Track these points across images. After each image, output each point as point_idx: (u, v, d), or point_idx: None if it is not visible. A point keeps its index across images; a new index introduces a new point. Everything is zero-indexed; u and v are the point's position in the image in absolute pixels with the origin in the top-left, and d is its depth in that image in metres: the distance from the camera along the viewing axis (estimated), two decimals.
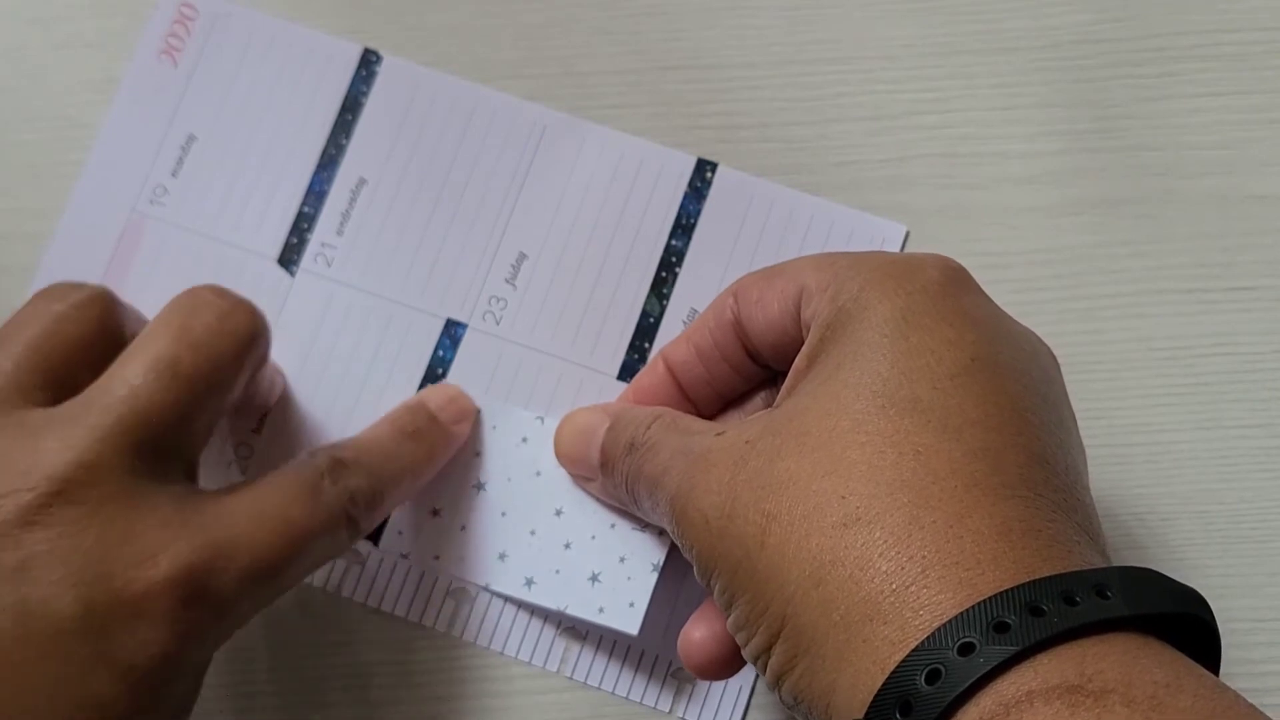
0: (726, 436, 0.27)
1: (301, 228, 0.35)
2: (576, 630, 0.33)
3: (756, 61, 0.36)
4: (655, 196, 0.35)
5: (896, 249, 0.35)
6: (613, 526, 0.33)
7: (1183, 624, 0.23)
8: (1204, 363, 0.34)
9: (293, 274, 0.35)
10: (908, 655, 0.21)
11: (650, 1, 0.37)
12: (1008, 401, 0.24)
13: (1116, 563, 0.33)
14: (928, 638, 0.21)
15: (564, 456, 0.33)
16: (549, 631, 0.33)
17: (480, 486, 0.34)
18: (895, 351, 0.25)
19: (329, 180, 0.35)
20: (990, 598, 0.21)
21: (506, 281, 0.35)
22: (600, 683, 0.33)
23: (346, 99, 0.36)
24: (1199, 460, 0.34)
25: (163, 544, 0.26)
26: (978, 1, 0.36)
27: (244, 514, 0.27)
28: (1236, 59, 0.36)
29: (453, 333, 0.35)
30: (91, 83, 0.36)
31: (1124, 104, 0.36)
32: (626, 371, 0.34)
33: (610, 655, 0.33)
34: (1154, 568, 0.33)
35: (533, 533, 0.33)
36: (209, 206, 0.35)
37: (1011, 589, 0.21)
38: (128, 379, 0.27)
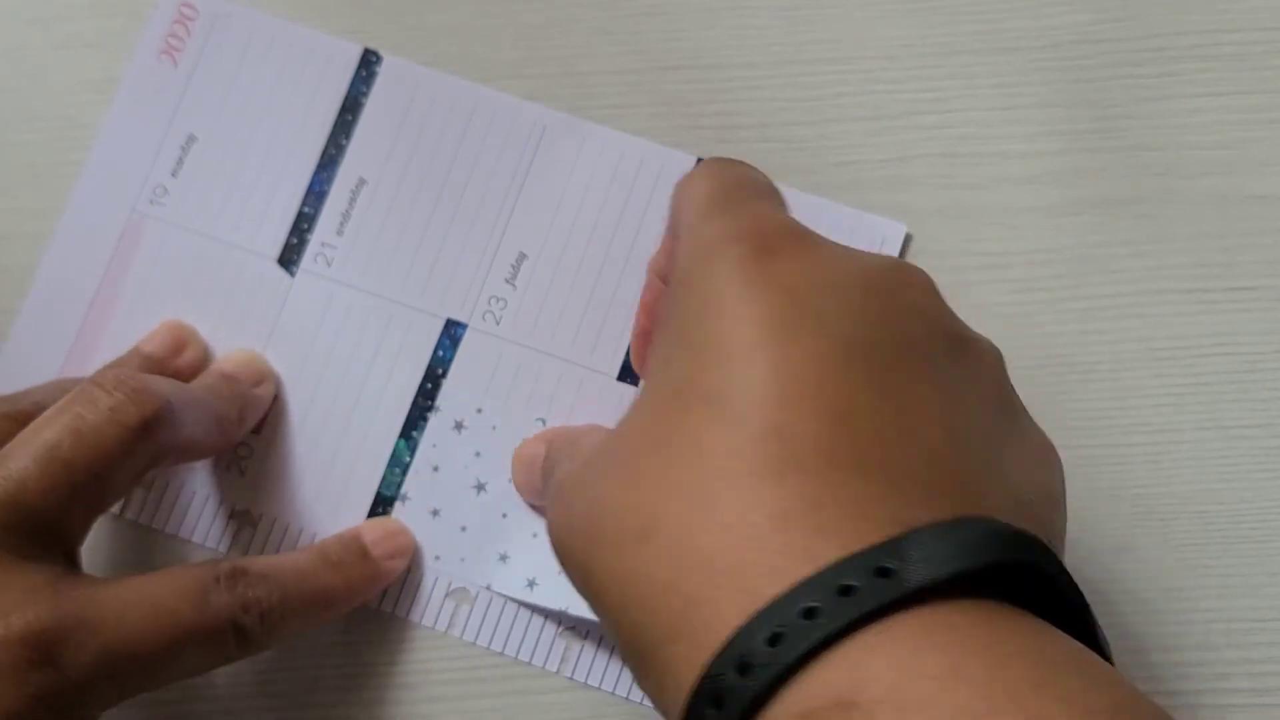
0: (576, 461, 0.26)
1: (301, 228, 0.35)
2: (577, 630, 0.33)
3: (756, 61, 0.36)
4: (655, 196, 0.35)
5: (896, 250, 0.35)
6: None
7: (1019, 572, 0.20)
8: (1204, 363, 0.34)
9: (293, 274, 0.35)
10: (695, 682, 0.20)
11: (650, 1, 0.37)
12: (804, 366, 0.22)
13: (1120, 561, 0.33)
14: (711, 660, 0.19)
15: (520, 489, 0.33)
16: (549, 631, 0.33)
17: (481, 488, 0.34)
18: (694, 344, 0.23)
19: (329, 180, 0.35)
20: (765, 606, 0.19)
21: (506, 281, 0.35)
22: (600, 683, 0.33)
23: (346, 99, 0.36)
24: (1199, 460, 0.34)
25: (21, 606, 0.26)
26: (978, 1, 0.36)
27: (120, 597, 0.27)
28: (1236, 59, 0.36)
29: (453, 333, 0.35)
30: (91, 83, 0.36)
31: (1124, 104, 0.36)
32: (627, 372, 0.34)
33: (611, 655, 0.33)
34: (1154, 568, 0.33)
35: (535, 535, 0.33)
36: (209, 206, 0.35)
37: (787, 592, 0.19)
38: (9, 459, 0.27)
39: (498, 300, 0.35)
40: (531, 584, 0.33)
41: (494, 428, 0.34)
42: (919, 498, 0.21)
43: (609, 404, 0.34)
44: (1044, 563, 0.20)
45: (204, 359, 0.34)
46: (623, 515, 0.22)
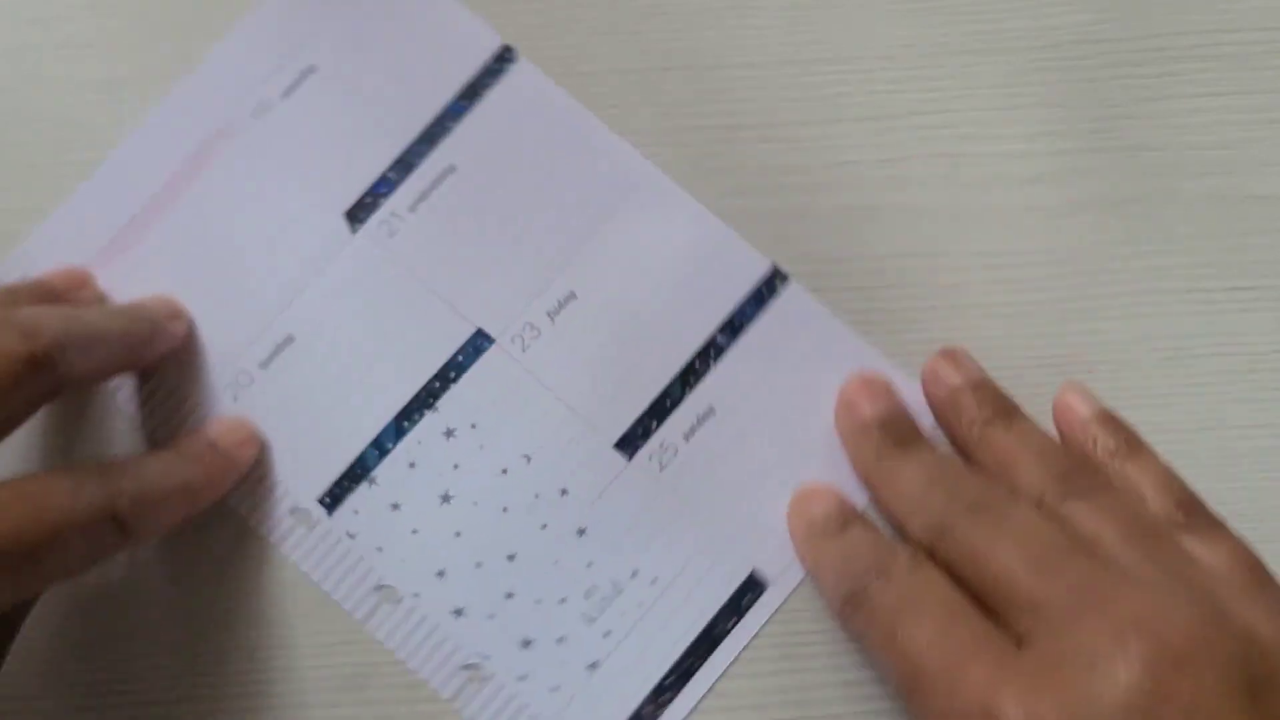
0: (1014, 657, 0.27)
1: (379, 191, 0.35)
2: (480, 670, 0.33)
3: (756, 61, 0.36)
4: (719, 287, 0.35)
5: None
6: (562, 601, 0.33)
7: None
8: (1204, 363, 0.34)
9: (354, 231, 0.35)
10: None
11: (650, 1, 0.37)
12: None
13: None
14: None
15: (793, 528, 0.33)
16: (453, 662, 0.33)
17: (446, 499, 0.34)
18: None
19: (422, 156, 0.35)
20: None
21: (548, 314, 0.35)
22: None
23: (469, 85, 0.36)
24: (1199, 460, 0.34)
25: None
26: (978, 1, 0.36)
27: None
28: (1236, 59, 0.36)
29: (478, 343, 0.34)
30: (91, 83, 0.36)
31: (1124, 104, 0.36)
32: (626, 444, 0.34)
33: (506, 705, 0.33)
34: None
35: (479, 565, 0.33)
36: (302, 137, 0.36)
37: None
38: None
39: (532, 329, 0.34)
40: (458, 613, 0.33)
41: (480, 447, 0.34)
42: None
43: (595, 468, 0.34)
44: None
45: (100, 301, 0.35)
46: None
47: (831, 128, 0.36)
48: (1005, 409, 0.32)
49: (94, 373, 0.32)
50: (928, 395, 0.33)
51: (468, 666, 0.33)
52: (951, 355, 0.33)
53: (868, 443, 0.32)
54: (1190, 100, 0.36)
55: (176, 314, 0.35)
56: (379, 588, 0.33)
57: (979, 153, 0.36)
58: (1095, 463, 0.31)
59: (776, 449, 0.34)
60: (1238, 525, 0.33)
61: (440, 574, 0.33)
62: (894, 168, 0.36)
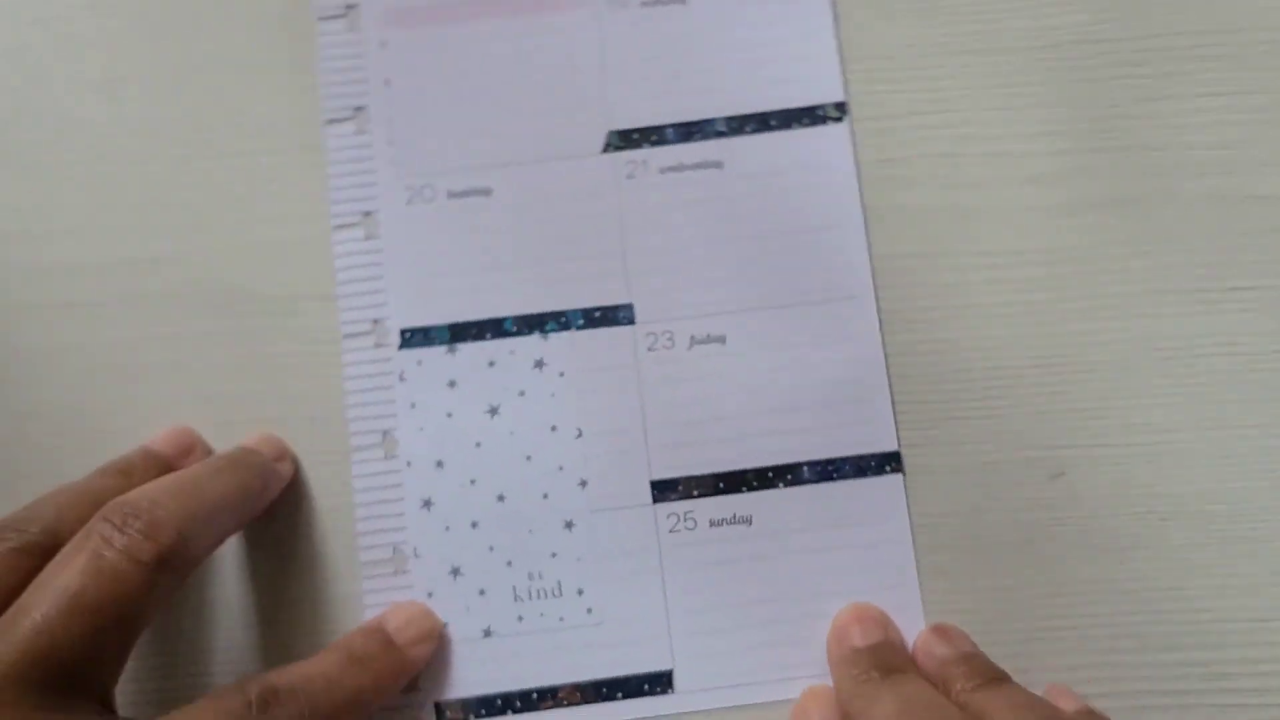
0: None
1: (653, 140, 0.35)
2: (404, 561, 0.34)
3: None
4: (848, 426, 0.34)
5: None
6: (509, 564, 0.33)
7: None
8: (1204, 363, 0.34)
9: (603, 152, 0.35)
10: None
11: None
12: None
13: (1120, 561, 0.33)
14: None
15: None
16: (390, 539, 0.34)
17: (494, 412, 0.34)
18: None
19: (711, 136, 0.36)
20: None
21: (691, 337, 0.34)
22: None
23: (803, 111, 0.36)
24: (1199, 460, 0.34)
25: None
26: (978, 1, 0.36)
27: None
28: (1236, 59, 0.36)
29: (621, 313, 0.34)
30: (91, 83, 0.36)
31: (1124, 104, 0.36)
32: (662, 488, 0.34)
33: None
34: (1154, 568, 0.33)
35: (472, 482, 0.34)
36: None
37: None
38: (32, 610, 0.27)
39: (669, 340, 0.34)
40: (427, 504, 0.34)
41: (552, 395, 0.34)
42: None
43: (622, 486, 0.34)
44: None
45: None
46: None
47: None
48: (996, 676, 0.31)
49: (217, 544, 0.31)
50: (920, 667, 0.32)
51: (398, 551, 0.34)
52: (943, 630, 0.33)
53: (853, 667, 0.31)
54: (1190, 100, 0.36)
55: (283, 454, 0.34)
56: (386, 435, 0.34)
57: (979, 153, 0.36)
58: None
59: (774, 601, 0.33)
60: (1237, 525, 0.34)
61: (439, 464, 0.34)
62: (894, 168, 0.36)
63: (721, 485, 0.34)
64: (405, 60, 0.36)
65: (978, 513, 0.34)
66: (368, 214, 0.35)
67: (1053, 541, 0.34)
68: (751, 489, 0.34)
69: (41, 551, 0.28)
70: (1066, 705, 0.31)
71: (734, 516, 0.34)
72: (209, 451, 0.34)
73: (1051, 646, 0.33)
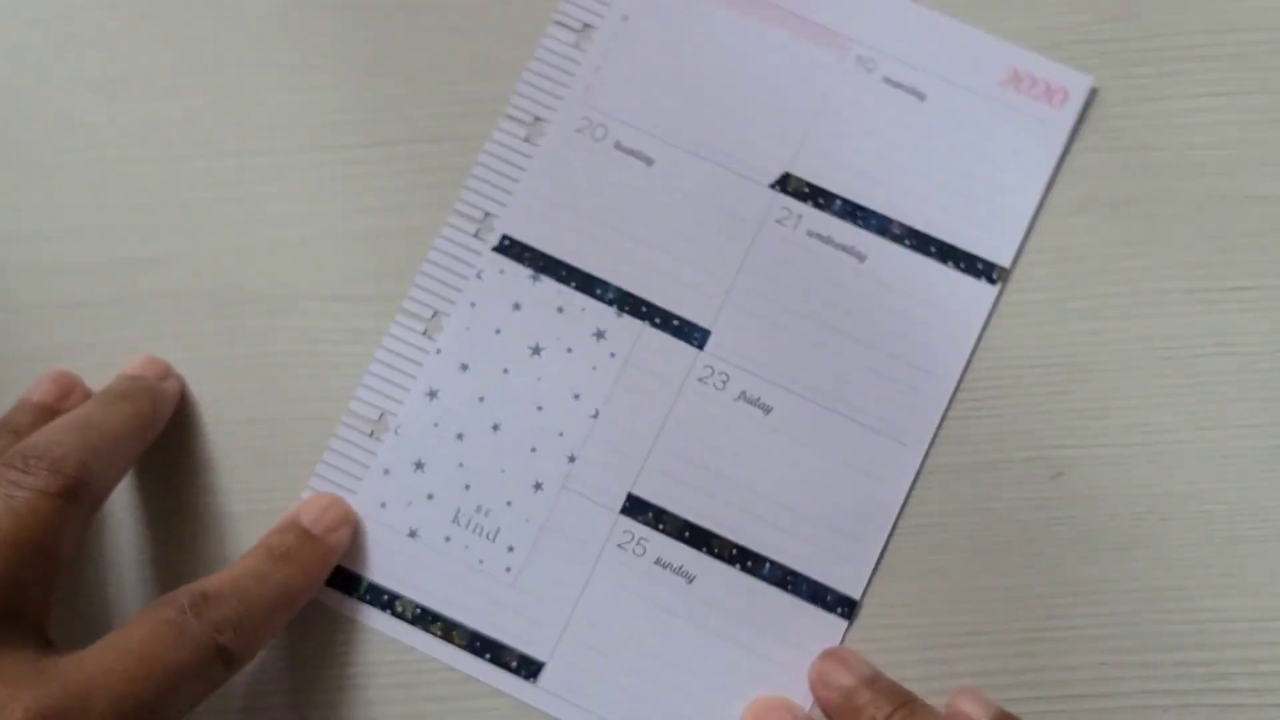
0: None
1: (806, 198, 0.35)
2: (385, 427, 0.34)
3: None
4: (838, 545, 0.34)
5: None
6: (467, 488, 0.34)
7: None
8: (1204, 363, 0.34)
9: (772, 186, 0.35)
10: None
11: None
12: None
13: (1120, 561, 0.33)
14: None
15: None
16: (370, 413, 0.34)
17: (536, 352, 0.34)
18: None
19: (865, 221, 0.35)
20: None
21: (743, 392, 0.34)
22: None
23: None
24: (1199, 460, 0.34)
25: (13, 698, 0.26)
26: (978, 1, 0.36)
27: (101, 660, 0.27)
28: (1236, 59, 0.36)
29: (695, 334, 0.34)
30: (91, 83, 0.36)
31: (1124, 104, 0.36)
32: (635, 506, 0.34)
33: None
34: (1154, 568, 0.33)
35: (480, 399, 0.34)
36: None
37: None
38: None
39: (723, 381, 0.34)
40: (432, 394, 0.34)
41: (594, 368, 0.34)
42: None
43: (603, 483, 0.34)
44: None
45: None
46: None
47: None
48: (904, 699, 0.31)
49: (122, 473, 0.32)
50: (819, 700, 0.32)
51: (384, 418, 0.34)
52: (837, 656, 0.32)
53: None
54: (1190, 100, 0.36)
55: (166, 372, 0.35)
56: (435, 315, 0.35)
57: None
58: None
59: (670, 663, 0.33)
60: (1237, 524, 0.34)
61: (463, 367, 0.34)
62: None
63: (687, 534, 0.34)
64: (649, 9, 0.36)
65: (978, 513, 0.34)
66: (537, 120, 0.35)
67: (1053, 541, 0.34)
68: (711, 553, 0.33)
69: None
70: (977, 711, 0.31)
71: (680, 568, 0.33)
72: (89, 392, 0.35)
73: (1051, 646, 0.33)
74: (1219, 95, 0.36)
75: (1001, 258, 0.35)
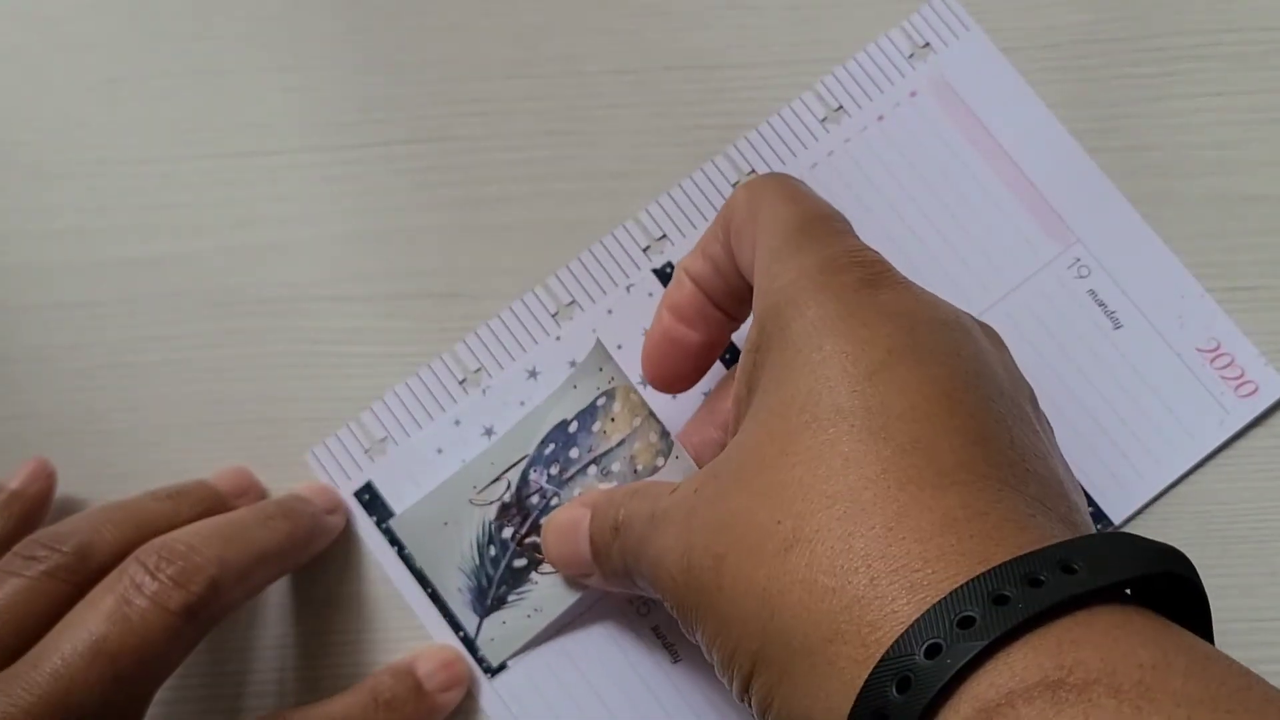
0: (679, 492, 0.26)
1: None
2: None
3: (756, 61, 0.36)
4: None
5: None
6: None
7: (1164, 583, 0.21)
8: None
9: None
10: (874, 668, 0.20)
11: (650, 1, 0.37)
12: (933, 388, 0.24)
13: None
14: (891, 646, 0.20)
15: (557, 560, 0.31)
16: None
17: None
18: (812, 363, 0.24)
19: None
20: (948, 595, 0.20)
21: None
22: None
23: None
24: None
25: None
26: (978, 2, 0.36)
27: None
28: (1236, 59, 0.36)
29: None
30: (91, 83, 0.36)
31: (1124, 104, 0.36)
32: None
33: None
34: None
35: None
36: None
37: (969, 581, 0.21)
38: (53, 653, 0.27)
39: None
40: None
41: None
42: (1054, 516, 0.23)
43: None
44: (1190, 574, 0.22)
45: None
46: (763, 526, 0.23)
47: None
48: None
49: (251, 596, 0.31)
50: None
51: (478, 371, 0.34)
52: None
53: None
54: (1190, 100, 0.36)
55: (336, 506, 0.33)
56: (563, 307, 0.35)
57: None
58: None
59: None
60: (1237, 525, 0.34)
61: (571, 363, 0.34)
62: None
63: None
64: (906, 113, 0.35)
65: None
66: (753, 171, 0.35)
67: None
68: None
69: (71, 573, 0.28)
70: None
71: (667, 643, 0.33)
72: (263, 495, 0.34)
73: None
74: (1219, 95, 0.36)
75: (1115, 514, 0.33)
